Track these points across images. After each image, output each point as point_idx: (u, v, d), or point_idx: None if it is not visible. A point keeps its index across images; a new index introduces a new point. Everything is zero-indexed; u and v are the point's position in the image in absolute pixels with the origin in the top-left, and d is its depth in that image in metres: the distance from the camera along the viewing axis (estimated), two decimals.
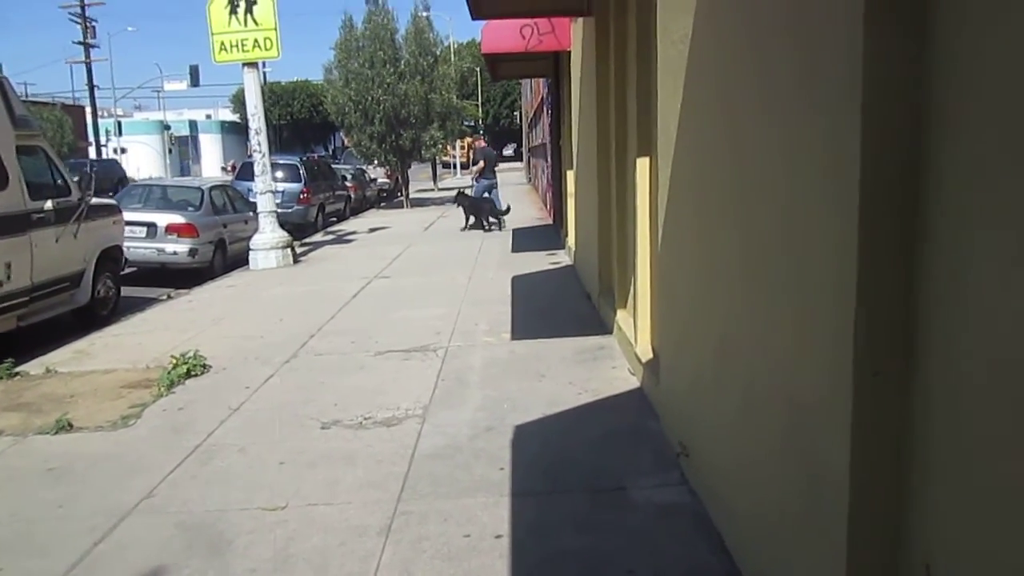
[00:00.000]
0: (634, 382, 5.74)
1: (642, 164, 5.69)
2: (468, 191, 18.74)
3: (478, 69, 38.38)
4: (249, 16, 12.44)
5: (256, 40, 12.55)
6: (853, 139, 1.98)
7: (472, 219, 17.34)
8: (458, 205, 17.78)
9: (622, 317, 6.75)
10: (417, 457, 4.57)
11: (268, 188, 13.12)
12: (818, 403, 2.32)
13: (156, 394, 6.07)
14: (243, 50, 12.62)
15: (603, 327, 7.39)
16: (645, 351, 5.64)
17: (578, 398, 5.50)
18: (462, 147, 53.12)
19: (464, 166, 54.52)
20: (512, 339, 7.28)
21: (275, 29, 12.56)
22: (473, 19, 7.54)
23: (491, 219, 17.12)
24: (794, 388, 2.54)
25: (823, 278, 2.25)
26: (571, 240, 11.68)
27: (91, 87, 48.93)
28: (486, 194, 18.48)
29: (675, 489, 3.97)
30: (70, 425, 5.40)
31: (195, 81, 47.57)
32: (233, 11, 12.44)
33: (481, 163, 19.22)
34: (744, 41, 2.90)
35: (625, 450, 4.52)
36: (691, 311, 3.98)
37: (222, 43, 12.62)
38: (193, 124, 68.52)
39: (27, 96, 50.77)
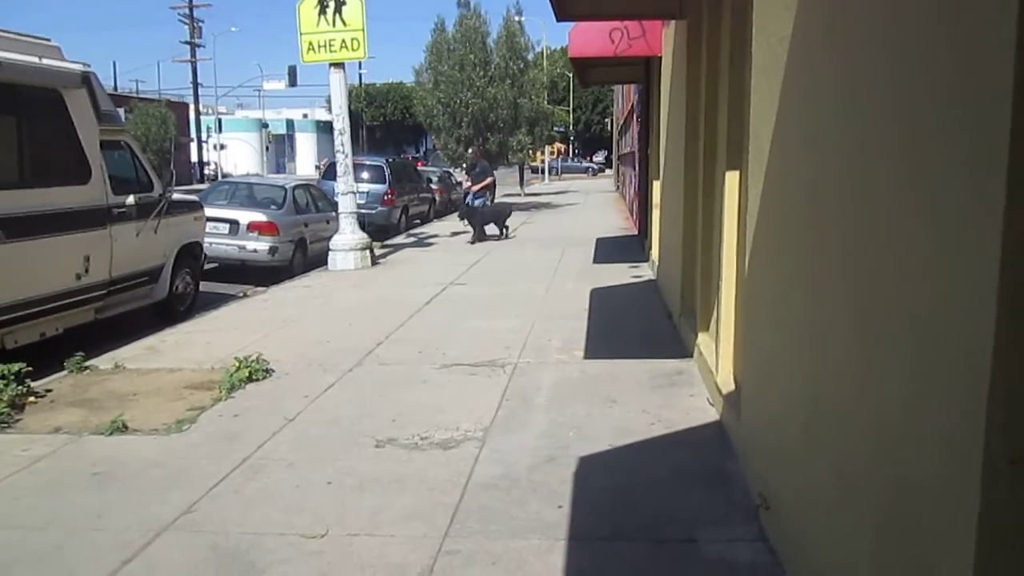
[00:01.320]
0: (713, 414, 5.29)
1: (731, 178, 5.24)
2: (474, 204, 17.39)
3: (570, 74, 38.02)
4: (338, 16, 12.41)
5: (344, 40, 12.51)
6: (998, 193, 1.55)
7: (494, 229, 16.99)
8: (463, 218, 17.11)
9: (703, 340, 6.29)
10: (470, 487, 4.25)
11: (350, 189, 13.06)
12: (933, 488, 1.88)
13: (215, 398, 5.93)
14: (330, 50, 12.59)
15: (683, 349, 6.94)
16: (726, 381, 5.19)
17: (650, 429, 5.08)
18: (551, 152, 53.00)
19: (552, 171, 54.44)
20: (585, 358, 6.91)
21: (362, 30, 12.50)
22: (558, 20, 7.21)
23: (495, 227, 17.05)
24: (902, 466, 2.10)
25: (950, 344, 1.81)
26: (655, 253, 11.21)
27: (195, 85, 50.73)
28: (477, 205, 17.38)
29: (752, 546, 3.53)
30: (125, 427, 5.28)
31: (293, 81, 48.68)
32: (322, 11, 12.43)
33: (489, 180, 17.94)
34: (869, 39, 2.46)
35: (698, 494, 4.10)
36: (778, 349, 3.54)
37: (310, 43, 12.62)
38: (290, 123, 70.41)
39: (137, 92, 53.03)
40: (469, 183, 18.17)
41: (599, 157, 79.62)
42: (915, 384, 2.02)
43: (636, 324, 8.24)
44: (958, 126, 1.79)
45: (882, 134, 2.30)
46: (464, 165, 28.77)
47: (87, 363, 6.92)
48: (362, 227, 13.54)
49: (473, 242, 16.18)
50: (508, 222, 17.47)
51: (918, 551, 2.00)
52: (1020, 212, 1.54)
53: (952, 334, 1.81)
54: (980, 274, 1.64)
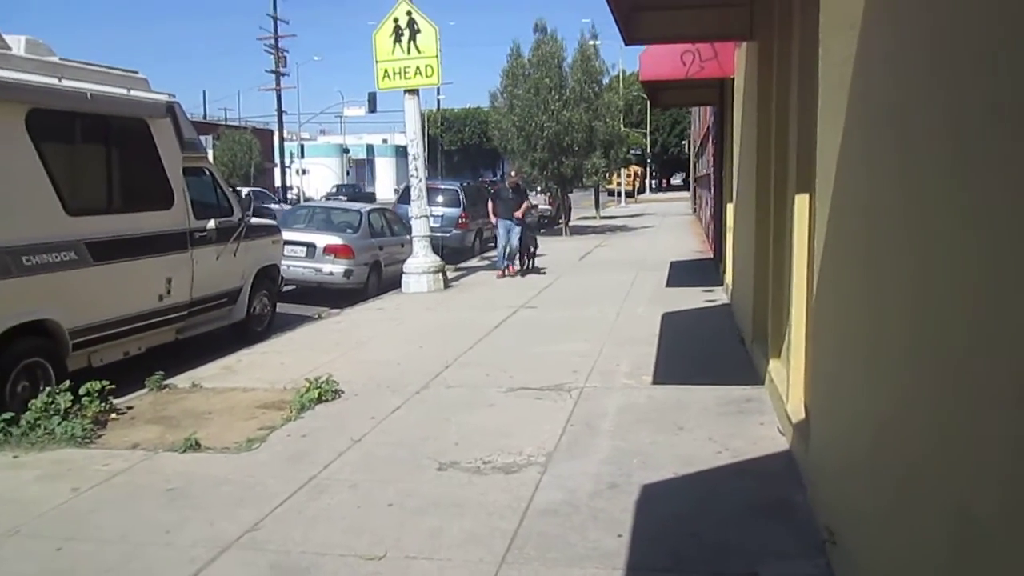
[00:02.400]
0: (783, 443, 5.14)
1: (801, 201, 5.12)
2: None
3: (645, 98, 37.90)
4: (412, 44, 12.65)
5: (418, 67, 12.74)
6: None
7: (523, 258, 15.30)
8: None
9: (775, 367, 6.13)
10: (530, 512, 4.21)
11: (423, 213, 13.24)
12: (999, 520, 1.78)
13: (286, 418, 6.05)
14: (405, 77, 12.83)
15: (755, 376, 6.77)
16: (796, 410, 5.04)
17: (717, 457, 4.97)
18: (628, 175, 52.73)
19: (629, 194, 54.17)
20: (653, 383, 6.81)
21: (436, 57, 12.70)
22: (626, 44, 7.19)
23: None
24: (966, 495, 2.00)
25: (1007, 366, 1.72)
26: (728, 277, 11.02)
27: (279, 112, 52.23)
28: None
29: None
30: (198, 444, 5.43)
31: (372, 107, 49.76)
32: (397, 40, 12.69)
33: (527, 205, 15.47)
34: (926, 60, 2.38)
35: (763, 527, 3.97)
36: (846, 376, 3.42)
37: (385, 71, 12.89)
38: (370, 148, 71.95)
39: (225, 120, 55.04)
40: (494, 210, 15.29)
41: (676, 179, 78.93)
42: (976, 408, 1.92)
43: (707, 349, 8.09)
44: (1014, 152, 1.71)
45: (936, 159, 2.22)
46: (538, 188, 28.56)
47: (166, 382, 7.16)
48: (437, 250, 13.69)
49: (524, 273, 14.97)
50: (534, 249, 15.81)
51: None
52: None
53: (1009, 362, 1.72)
54: None
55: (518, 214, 14.70)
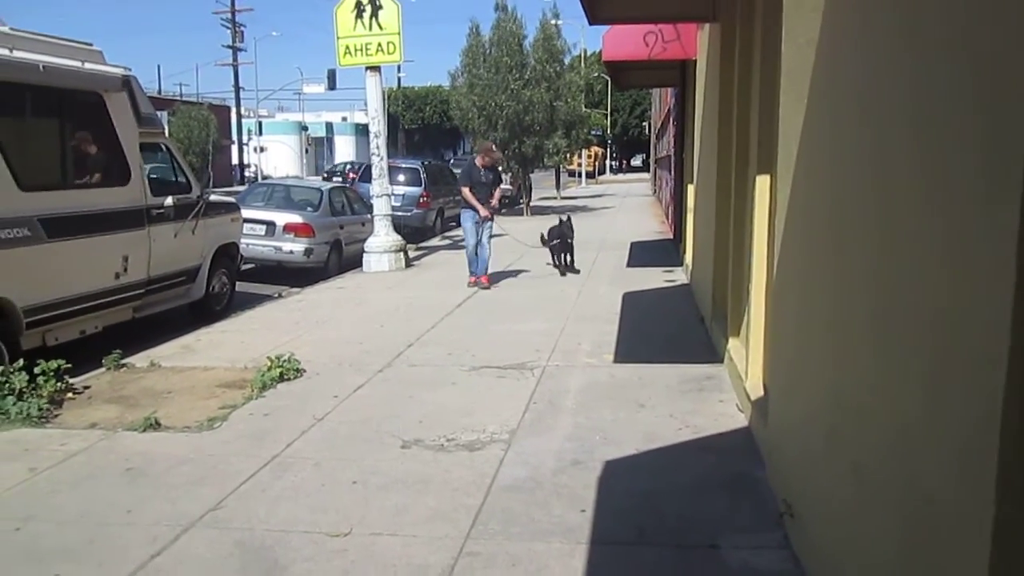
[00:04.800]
0: (742, 420, 5.24)
1: (762, 182, 5.19)
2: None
3: (607, 78, 37.95)
4: (374, 21, 12.51)
5: (380, 44, 12.61)
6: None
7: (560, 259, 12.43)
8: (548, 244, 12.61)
9: (734, 346, 6.24)
10: (494, 489, 4.25)
11: (384, 191, 13.16)
12: (949, 493, 1.85)
13: (247, 396, 6.01)
14: (367, 54, 12.69)
15: (714, 355, 6.88)
16: (755, 387, 5.14)
17: (678, 434, 5.05)
18: (589, 156, 52.83)
19: (590, 175, 54.29)
20: (614, 361, 6.88)
21: (398, 34, 12.58)
22: (591, 24, 7.20)
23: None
24: (918, 470, 2.07)
25: (967, 350, 1.78)
26: (689, 257, 11.14)
27: (236, 88, 51.44)
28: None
29: (776, 553, 3.49)
30: (158, 423, 5.37)
31: (332, 84, 49.14)
32: (359, 16, 12.54)
33: (499, 191, 12.17)
34: (889, 43, 2.42)
35: (723, 500, 4.06)
36: (802, 354, 3.50)
37: (347, 47, 12.74)
38: (329, 126, 71.02)
39: (180, 95, 53.92)
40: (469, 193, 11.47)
41: (636, 161, 79.32)
42: (933, 390, 1.99)
43: (667, 328, 8.19)
44: (975, 134, 1.76)
45: (900, 140, 2.27)
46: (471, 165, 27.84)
47: (124, 361, 7.06)
48: (398, 229, 13.61)
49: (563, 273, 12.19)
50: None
51: (937, 560, 1.97)
52: None
53: (968, 340, 1.78)
54: (996, 282, 1.61)
55: (493, 203, 11.59)
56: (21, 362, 6.01)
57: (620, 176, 65.94)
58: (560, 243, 12.19)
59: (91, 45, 8.01)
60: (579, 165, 50.25)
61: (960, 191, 1.85)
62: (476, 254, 11.34)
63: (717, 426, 5.18)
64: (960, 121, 1.86)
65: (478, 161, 11.64)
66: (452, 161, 38.56)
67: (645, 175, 56.69)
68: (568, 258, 12.33)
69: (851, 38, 2.80)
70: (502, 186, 13.69)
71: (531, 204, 26.49)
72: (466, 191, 11.49)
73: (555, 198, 33.59)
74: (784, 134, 3.91)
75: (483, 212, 11.23)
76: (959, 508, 1.80)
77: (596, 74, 39.57)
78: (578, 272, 12.22)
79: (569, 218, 12.56)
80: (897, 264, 2.28)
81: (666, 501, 4.06)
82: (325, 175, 43.84)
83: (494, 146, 12.57)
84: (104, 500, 4.25)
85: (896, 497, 2.25)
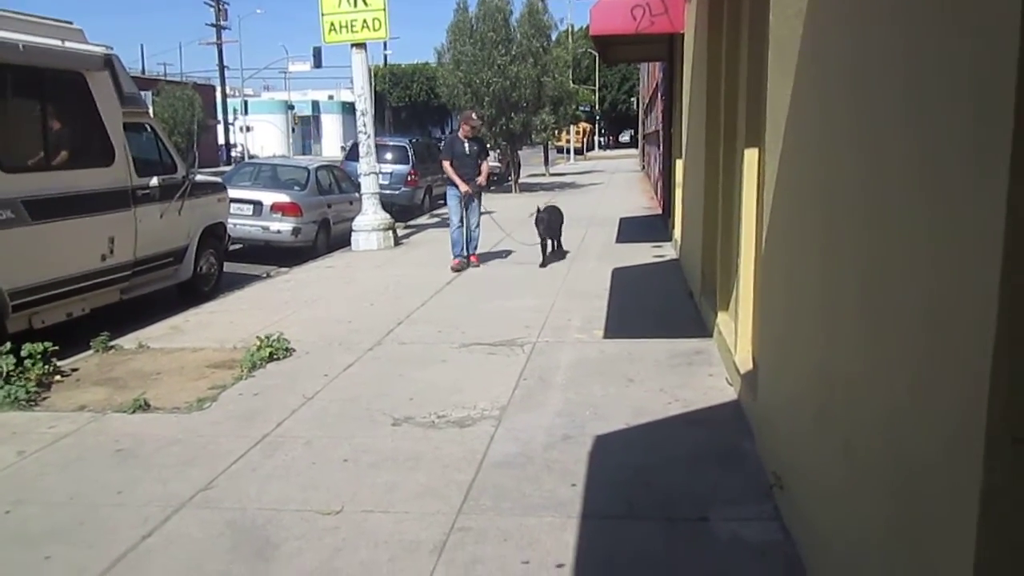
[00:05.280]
0: (731, 393, 5.26)
1: (750, 156, 5.18)
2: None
3: (594, 53, 37.74)
4: None
5: (365, 21, 12.48)
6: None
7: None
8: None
9: (723, 320, 6.25)
10: (485, 465, 4.26)
11: (372, 170, 13.08)
12: (936, 467, 1.86)
13: (236, 376, 5.99)
14: (352, 31, 12.57)
15: (703, 329, 6.90)
16: (744, 361, 5.15)
17: (667, 408, 5.07)
18: (577, 132, 52.65)
19: (579, 151, 54.14)
20: (604, 337, 6.89)
21: (384, 10, 12.45)
22: None
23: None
24: (906, 445, 2.08)
25: (956, 325, 1.78)
26: (677, 233, 11.14)
27: (221, 67, 50.98)
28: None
29: (765, 525, 3.52)
30: (147, 405, 5.36)
31: (318, 62, 48.84)
32: None
33: (487, 164, 11.41)
34: (879, 15, 2.41)
35: (713, 473, 4.08)
36: (792, 328, 3.51)
37: (332, 24, 12.60)
38: (316, 104, 70.59)
39: (164, 75, 53.35)
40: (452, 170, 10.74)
41: (624, 137, 79.12)
42: (922, 364, 1.99)
43: (656, 303, 8.20)
44: (966, 115, 1.75)
45: (891, 116, 2.26)
46: (454, 137, 27.25)
47: (112, 343, 7.02)
48: (386, 208, 13.55)
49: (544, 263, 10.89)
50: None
51: (924, 530, 1.98)
52: (1022, 200, 1.51)
53: (957, 315, 1.78)
54: (985, 257, 1.61)
55: (480, 180, 10.87)
56: (8, 345, 5.97)
57: (608, 152, 65.85)
58: (546, 229, 11.05)
59: (72, 24, 7.89)
60: (567, 141, 50.11)
61: (950, 166, 1.84)
62: (461, 235, 10.71)
63: (706, 400, 5.20)
64: (951, 102, 1.84)
65: (461, 132, 10.90)
66: (440, 139, 38.34)
67: (633, 151, 56.62)
68: (556, 244, 11.53)
69: (840, 9, 2.78)
70: (489, 161, 12.94)
71: (519, 181, 26.42)
72: (447, 165, 10.73)
73: (543, 175, 33.52)
74: (772, 107, 3.89)
75: (463, 188, 10.59)
76: (948, 483, 1.81)
77: (583, 49, 39.34)
78: (564, 257, 11.43)
79: (555, 207, 11.63)
80: (886, 240, 2.28)
81: (656, 475, 4.08)
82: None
83: (474, 114, 11.54)
84: (94, 482, 4.24)
85: (885, 472, 2.26)
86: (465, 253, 10.81)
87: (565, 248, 11.88)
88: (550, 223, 11.08)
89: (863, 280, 2.50)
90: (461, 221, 10.71)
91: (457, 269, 10.51)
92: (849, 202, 2.66)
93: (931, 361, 1.95)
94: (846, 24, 2.70)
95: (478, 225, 10.99)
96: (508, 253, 12.17)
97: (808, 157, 3.24)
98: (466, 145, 10.75)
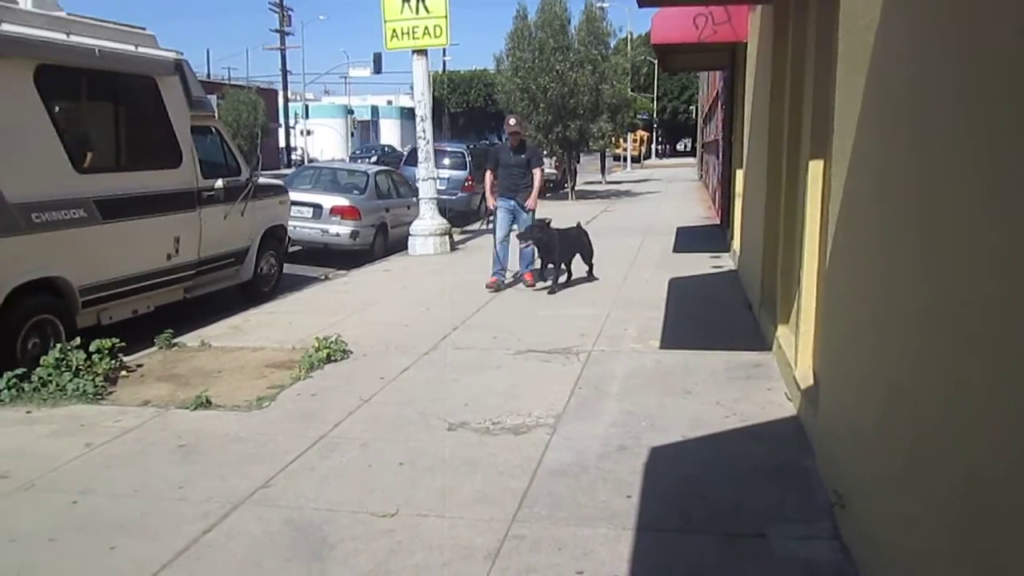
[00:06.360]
0: (790, 409, 5.17)
1: (815, 167, 5.09)
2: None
3: (653, 61, 37.54)
4: (421, 4, 12.48)
5: (426, 27, 12.60)
6: None
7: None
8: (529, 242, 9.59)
9: (783, 334, 6.15)
10: (540, 473, 4.26)
11: (430, 175, 13.18)
12: (1010, 483, 1.80)
13: (295, 376, 6.08)
14: (413, 37, 12.70)
15: (762, 342, 6.79)
16: (805, 376, 5.05)
17: (724, 422, 5.00)
18: (634, 140, 52.36)
19: (635, 159, 53.81)
20: (661, 347, 6.82)
21: (445, 17, 12.54)
22: (640, 6, 7.09)
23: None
24: (977, 460, 2.02)
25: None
26: (736, 243, 11.00)
27: (284, 72, 51.93)
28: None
29: (824, 544, 3.45)
30: (209, 402, 5.47)
31: (378, 68, 49.30)
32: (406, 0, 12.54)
33: (539, 175, 9.95)
34: (937, 28, 2.35)
35: (771, 489, 4.01)
36: (854, 340, 3.43)
37: (394, 31, 12.75)
38: (375, 109, 71.53)
39: (229, 79, 54.60)
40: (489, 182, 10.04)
41: (682, 146, 78.46)
42: (993, 375, 1.93)
43: (714, 315, 8.10)
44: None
45: (946, 123, 2.20)
46: (500, 145, 26.86)
47: (175, 340, 7.19)
48: (442, 213, 13.65)
49: (553, 291, 9.36)
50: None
51: (996, 548, 1.92)
52: None
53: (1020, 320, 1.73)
54: None
55: (530, 202, 9.69)
56: (77, 340, 6.16)
57: (665, 160, 65.36)
58: (544, 251, 9.44)
59: (144, 30, 8.13)
60: (624, 149, 49.85)
61: (1015, 175, 1.79)
62: (505, 252, 9.78)
63: (765, 414, 5.11)
64: (1012, 112, 1.79)
65: (508, 137, 9.82)
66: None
67: (690, 159, 56.10)
68: (586, 269, 10.12)
69: (909, 21, 2.72)
70: (545, 169, 11.93)
71: (576, 189, 26.36)
72: (488, 176, 9.89)
73: (600, 183, 33.41)
74: (839, 120, 3.82)
75: (490, 203, 9.86)
76: (1017, 495, 1.75)
77: (642, 57, 39.13)
78: (570, 283, 9.81)
79: (575, 229, 10.11)
80: (952, 251, 2.22)
81: (713, 489, 4.03)
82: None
83: (512, 119, 10.06)
84: (157, 476, 4.34)
85: (952, 485, 2.20)
86: (505, 272, 9.83)
87: (595, 275, 10.17)
88: (548, 246, 9.35)
89: (930, 291, 2.44)
90: (507, 237, 9.82)
91: (494, 288, 9.51)
92: (915, 213, 2.59)
93: (1002, 371, 1.89)
94: (905, 35, 2.64)
95: (529, 238, 9.55)
96: None
97: (870, 169, 3.18)
98: (511, 154, 9.74)
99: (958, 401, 2.19)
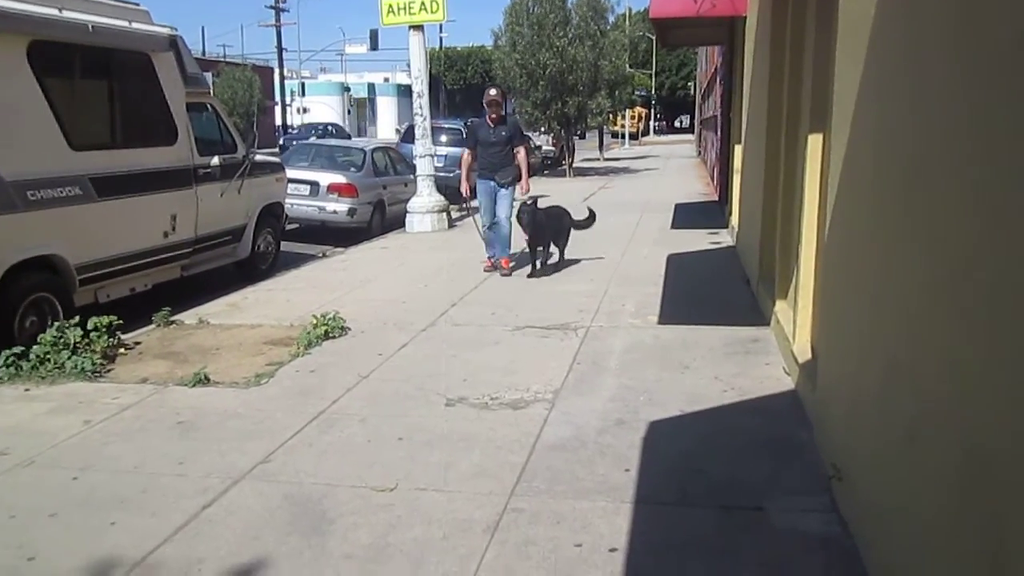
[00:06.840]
0: (788, 383, 5.18)
1: (814, 141, 5.06)
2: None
3: (651, 37, 37.31)
4: None
5: (423, 2, 12.49)
6: None
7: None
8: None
9: (781, 308, 6.15)
10: (538, 447, 4.27)
11: (428, 152, 13.13)
12: (1008, 455, 1.80)
13: (293, 353, 6.08)
14: (410, 12, 12.60)
15: (760, 317, 6.79)
16: (803, 350, 5.06)
17: (722, 396, 5.01)
18: (632, 116, 52.14)
19: (634, 136, 53.58)
20: (659, 323, 6.83)
21: None
22: None
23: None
24: (976, 433, 2.02)
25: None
26: (734, 219, 10.97)
27: (279, 49, 51.46)
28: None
29: (822, 516, 3.46)
30: (207, 379, 5.47)
31: (374, 45, 49.12)
32: None
33: (523, 154, 9.35)
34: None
35: (769, 463, 4.02)
36: (853, 314, 3.43)
37: (390, 6, 12.64)
38: (371, 87, 71.04)
39: (224, 56, 54.23)
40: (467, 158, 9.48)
41: (679, 122, 78.18)
42: (992, 349, 1.93)
43: (712, 290, 8.10)
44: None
45: (946, 93, 2.18)
46: (541, 129, 26.96)
47: (173, 318, 7.19)
48: (440, 190, 13.61)
49: (533, 274, 9.00)
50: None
51: (991, 520, 1.92)
52: None
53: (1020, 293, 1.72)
54: None
55: (523, 185, 9.16)
56: (75, 318, 6.15)
57: (664, 137, 65.12)
58: (531, 233, 8.95)
59: (138, 5, 8.05)
60: (622, 126, 49.66)
61: (1018, 153, 1.78)
62: (491, 238, 9.30)
63: (763, 389, 5.12)
64: (1009, 83, 1.77)
65: (488, 112, 9.05)
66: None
67: (689, 136, 55.88)
68: (560, 253, 9.47)
69: None
70: (531, 146, 11.05)
71: (574, 165, 26.28)
72: (465, 155, 9.32)
73: (598, 159, 33.30)
74: (839, 93, 3.80)
75: (462, 187, 9.37)
76: (1016, 468, 1.75)
77: (641, 33, 38.85)
78: (560, 269, 9.27)
79: (556, 207, 9.68)
80: (953, 224, 2.21)
81: (711, 462, 4.04)
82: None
83: (492, 89, 9.29)
84: (156, 452, 4.35)
85: (952, 458, 2.20)
86: (495, 254, 9.30)
87: (572, 257, 9.63)
88: (535, 225, 8.93)
89: (930, 265, 2.43)
90: (493, 222, 9.21)
91: (490, 269, 9.25)
92: (919, 186, 2.58)
93: (1001, 345, 1.88)
94: (901, 7, 2.62)
95: (508, 218, 9.09)
96: None
97: (868, 142, 3.16)
98: (492, 130, 9.01)
99: (956, 374, 2.19)
